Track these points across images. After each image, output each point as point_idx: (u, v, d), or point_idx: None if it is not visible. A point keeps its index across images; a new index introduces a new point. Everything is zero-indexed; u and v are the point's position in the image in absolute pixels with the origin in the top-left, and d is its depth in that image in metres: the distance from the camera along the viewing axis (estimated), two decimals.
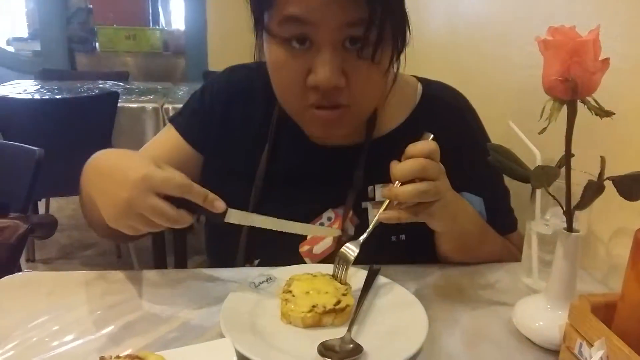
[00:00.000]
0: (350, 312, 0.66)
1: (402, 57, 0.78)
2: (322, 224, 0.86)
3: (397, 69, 0.79)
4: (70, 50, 4.49)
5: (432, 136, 0.72)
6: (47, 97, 2.51)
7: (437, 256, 0.86)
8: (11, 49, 5.41)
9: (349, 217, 0.85)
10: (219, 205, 0.65)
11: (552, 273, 0.65)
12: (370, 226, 0.73)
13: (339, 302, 0.66)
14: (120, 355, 0.54)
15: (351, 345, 0.59)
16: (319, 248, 0.85)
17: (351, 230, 0.85)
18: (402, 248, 0.85)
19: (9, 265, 1.20)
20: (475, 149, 0.76)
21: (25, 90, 2.68)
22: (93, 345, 0.62)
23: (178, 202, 0.62)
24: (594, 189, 0.59)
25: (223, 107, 0.91)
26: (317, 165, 0.87)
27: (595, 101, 0.54)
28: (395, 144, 0.71)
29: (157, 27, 5.93)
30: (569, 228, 0.62)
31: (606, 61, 0.52)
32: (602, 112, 0.52)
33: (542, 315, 0.65)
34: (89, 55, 4.67)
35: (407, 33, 0.75)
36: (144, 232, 0.66)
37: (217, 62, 4.07)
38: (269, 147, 0.88)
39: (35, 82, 3.07)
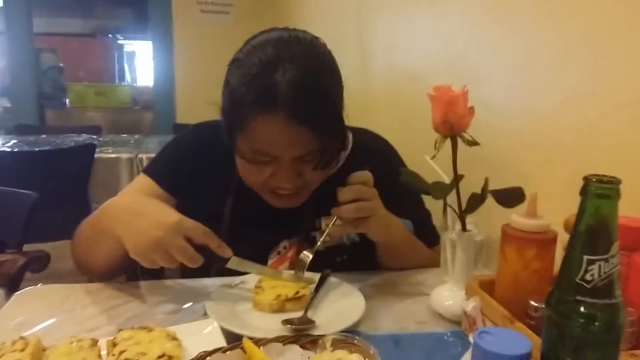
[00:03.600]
0: (307, 300, 0.87)
1: (350, 102, 0.99)
2: (279, 252, 1.06)
3: None
4: (40, 106, 4.64)
5: (368, 168, 0.95)
6: (27, 149, 2.66)
7: (376, 269, 1.07)
8: None
9: (301, 244, 1.05)
10: (228, 252, 0.85)
11: (455, 264, 0.88)
12: (322, 237, 0.94)
13: (297, 292, 0.86)
14: (134, 327, 0.73)
15: (306, 319, 0.80)
16: (283, 267, 1.05)
17: (309, 255, 1.03)
18: (346, 267, 1.05)
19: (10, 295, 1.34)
20: (399, 182, 0.93)
21: (5, 144, 2.83)
22: (107, 329, 0.80)
23: (194, 246, 0.81)
24: (477, 199, 0.82)
25: (193, 157, 1.08)
26: (274, 207, 1.02)
27: (470, 135, 0.78)
28: (334, 185, 0.93)
29: (124, 83, 6.16)
30: (463, 228, 0.85)
31: (472, 108, 0.76)
32: (471, 143, 0.77)
33: (449, 296, 0.87)
34: (58, 111, 4.83)
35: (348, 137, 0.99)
36: (158, 266, 0.83)
37: (185, 115, 4.29)
38: (233, 197, 1.06)
39: (10, 137, 3.21)
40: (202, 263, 0.83)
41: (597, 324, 0.50)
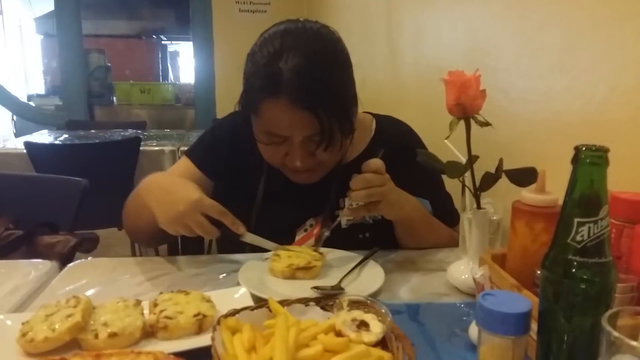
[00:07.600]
0: (318, 271, 0.94)
1: (380, 93, 1.06)
2: (305, 230, 1.14)
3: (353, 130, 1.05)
4: (89, 104, 4.88)
5: (381, 153, 1.02)
6: (77, 142, 2.84)
7: (396, 247, 1.13)
8: (31, 104, 5.87)
9: (326, 222, 1.12)
10: (241, 229, 0.94)
11: (471, 240, 0.92)
12: (339, 217, 1.03)
13: (309, 263, 0.94)
14: (174, 291, 0.81)
15: (338, 286, 0.89)
16: (309, 243, 1.11)
17: (327, 232, 1.10)
18: (367, 243, 1.10)
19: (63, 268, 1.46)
20: (420, 165, 0.98)
21: (58, 138, 3.01)
22: (149, 295, 0.89)
23: (212, 221, 0.91)
24: (491, 178, 0.87)
25: (229, 143, 1.18)
26: (301, 187, 1.12)
27: (482, 116, 0.83)
28: (358, 167, 1.00)
29: (167, 81, 6.37)
30: (478, 206, 0.90)
31: (484, 91, 0.81)
32: (482, 124, 0.81)
33: (465, 270, 0.92)
34: (106, 108, 5.06)
35: (354, 121, 1.04)
36: (181, 234, 0.94)
37: (225, 111, 4.35)
38: (265, 177, 1.15)
39: (62, 132, 3.42)
40: (218, 236, 0.93)
41: (587, 281, 0.55)
